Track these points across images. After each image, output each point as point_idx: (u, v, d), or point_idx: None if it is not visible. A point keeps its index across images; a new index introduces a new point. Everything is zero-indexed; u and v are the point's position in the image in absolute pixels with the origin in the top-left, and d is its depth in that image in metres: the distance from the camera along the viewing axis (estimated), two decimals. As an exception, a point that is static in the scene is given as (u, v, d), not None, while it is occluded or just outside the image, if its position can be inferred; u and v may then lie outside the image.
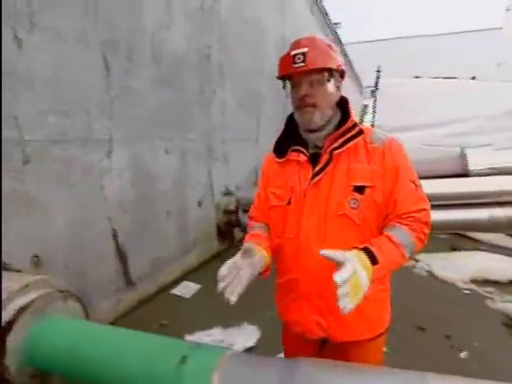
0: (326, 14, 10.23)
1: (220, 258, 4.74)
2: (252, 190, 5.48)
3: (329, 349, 1.31)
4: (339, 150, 1.20)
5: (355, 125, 1.23)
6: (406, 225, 1.17)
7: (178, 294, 3.64)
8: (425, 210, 1.20)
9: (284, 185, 1.30)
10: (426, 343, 2.79)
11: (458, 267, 4.27)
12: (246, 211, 4.66)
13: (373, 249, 1.09)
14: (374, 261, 1.06)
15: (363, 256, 1.06)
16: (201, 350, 1.15)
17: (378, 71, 7.01)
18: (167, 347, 1.22)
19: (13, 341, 1.39)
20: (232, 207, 4.78)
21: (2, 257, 1.76)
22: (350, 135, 1.21)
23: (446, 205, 4.22)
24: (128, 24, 3.00)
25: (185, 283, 3.85)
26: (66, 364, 1.37)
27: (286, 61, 1.19)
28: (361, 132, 1.22)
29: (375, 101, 6.76)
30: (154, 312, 3.21)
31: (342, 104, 1.29)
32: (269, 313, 3.09)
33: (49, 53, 2.30)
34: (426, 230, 1.19)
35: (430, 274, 4.21)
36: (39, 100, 2.26)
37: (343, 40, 13.50)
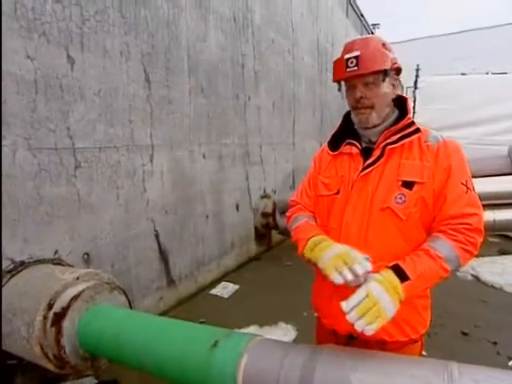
0: (362, 16, 10.11)
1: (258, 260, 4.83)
2: (289, 192, 5.53)
3: (357, 346, 1.28)
4: (392, 146, 1.20)
5: (412, 123, 1.22)
6: (449, 235, 1.12)
7: (217, 293, 3.76)
8: (476, 215, 1.14)
9: (334, 175, 1.32)
10: (469, 349, 2.68)
11: (508, 272, 4.04)
12: (283, 214, 4.71)
13: (403, 265, 1.06)
14: (403, 277, 1.04)
15: (389, 274, 1.04)
16: (233, 334, 1.22)
17: (417, 70, 6.81)
18: (202, 333, 1.31)
19: (67, 325, 1.55)
20: (269, 210, 4.85)
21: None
22: (405, 132, 1.20)
23: (494, 204, 4.02)
24: (166, 37, 3.19)
25: (223, 283, 3.96)
26: (111, 348, 1.50)
27: (340, 65, 1.20)
28: (417, 131, 1.21)
29: (414, 100, 6.56)
30: (193, 310, 3.34)
31: (401, 102, 1.29)
32: (304, 313, 3.12)
33: (96, 68, 2.52)
34: (475, 240, 1.12)
35: (476, 278, 4.02)
36: (88, 111, 2.47)
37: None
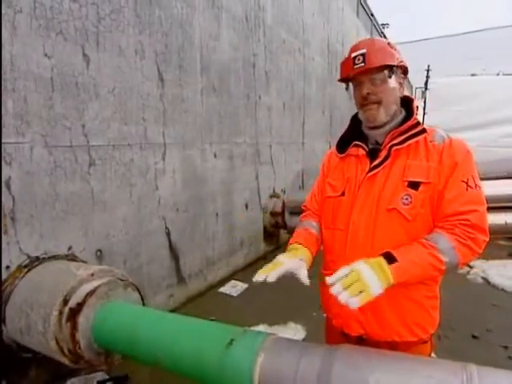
0: (372, 15, 10.07)
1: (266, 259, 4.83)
2: (298, 192, 5.53)
3: None
4: (398, 147, 1.20)
5: (418, 123, 1.23)
6: (446, 229, 1.12)
7: (226, 292, 3.77)
8: (475, 211, 1.11)
9: (341, 177, 1.34)
10: (480, 352, 2.65)
11: (519, 275, 4.00)
12: (292, 213, 4.72)
13: (393, 251, 1.09)
14: (391, 260, 1.05)
15: (377, 258, 1.07)
16: (248, 333, 1.22)
17: (427, 70, 6.76)
18: (217, 331, 1.31)
19: (82, 320, 1.57)
20: (278, 209, 4.85)
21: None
22: (411, 133, 1.21)
23: (506, 207, 3.97)
24: (180, 37, 3.21)
25: (233, 282, 3.98)
26: (126, 344, 1.51)
27: (347, 63, 1.23)
28: (423, 131, 1.21)
29: (425, 101, 6.51)
30: (203, 308, 3.35)
31: (407, 102, 1.30)
32: (314, 313, 3.12)
33: (111, 67, 2.54)
34: (475, 236, 1.10)
35: (486, 281, 3.99)
36: (103, 109, 2.50)
37: (393, 41, 13.23)
